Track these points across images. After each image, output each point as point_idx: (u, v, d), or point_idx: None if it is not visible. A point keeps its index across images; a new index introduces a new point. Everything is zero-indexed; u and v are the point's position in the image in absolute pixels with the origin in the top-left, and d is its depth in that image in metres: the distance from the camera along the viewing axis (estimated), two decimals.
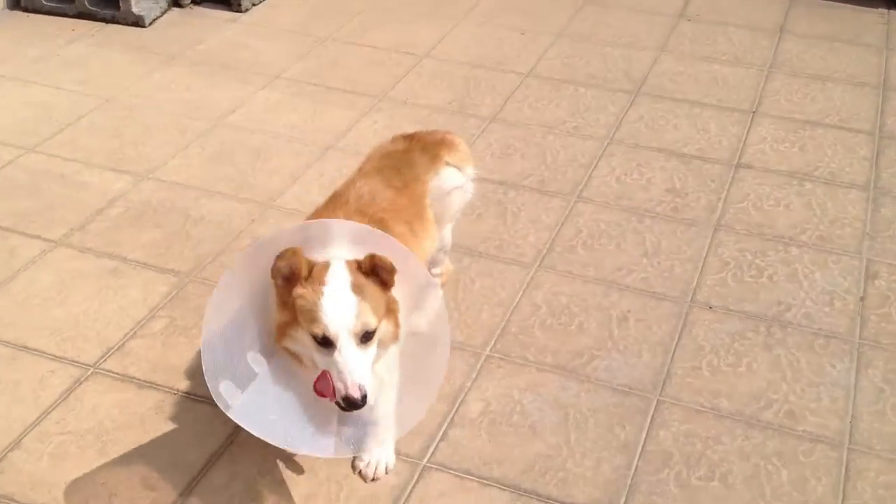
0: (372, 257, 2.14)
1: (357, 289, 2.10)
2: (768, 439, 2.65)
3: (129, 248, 3.39)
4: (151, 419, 2.68)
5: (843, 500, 2.48)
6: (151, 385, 2.79)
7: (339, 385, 2.06)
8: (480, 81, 4.59)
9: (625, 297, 3.18)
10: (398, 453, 2.56)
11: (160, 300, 3.13)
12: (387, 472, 2.50)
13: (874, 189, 3.79)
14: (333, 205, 2.54)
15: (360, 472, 2.50)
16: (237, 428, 2.60)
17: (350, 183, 2.64)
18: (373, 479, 2.47)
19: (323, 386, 2.11)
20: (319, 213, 2.54)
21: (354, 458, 2.50)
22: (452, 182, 2.81)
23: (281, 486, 2.48)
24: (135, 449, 2.58)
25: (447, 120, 4.22)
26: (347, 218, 2.39)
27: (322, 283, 2.09)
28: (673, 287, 3.22)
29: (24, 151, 3.95)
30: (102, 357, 2.89)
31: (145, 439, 2.61)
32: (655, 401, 2.78)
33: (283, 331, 2.15)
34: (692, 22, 5.18)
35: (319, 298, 2.06)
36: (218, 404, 2.15)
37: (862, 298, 3.17)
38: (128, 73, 4.58)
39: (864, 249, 3.43)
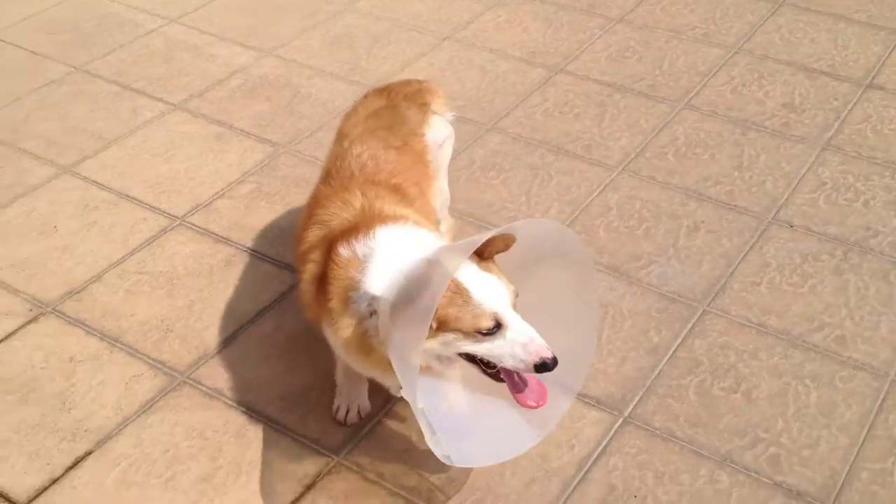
0: (495, 241, 1.99)
1: (484, 268, 1.98)
2: (809, 361, 2.57)
3: (238, 116, 3.60)
4: (219, 271, 2.89)
5: (870, 429, 2.39)
6: (226, 241, 3.01)
7: (530, 358, 1.92)
8: None
9: (703, 208, 3.11)
10: None
11: (253, 166, 3.33)
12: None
13: None
14: (338, 180, 2.35)
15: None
16: (290, 286, 2.78)
17: (344, 151, 2.42)
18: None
19: (513, 385, 2.01)
20: (321, 191, 2.36)
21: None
22: (443, 131, 2.62)
23: (319, 344, 2.61)
24: (197, 294, 2.81)
25: (574, 17, 4.17)
26: (360, 189, 2.26)
27: (455, 283, 1.93)
28: (758, 202, 3.12)
29: (167, 22, 4.23)
30: (190, 211, 3.13)
31: (209, 287, 2.83)
32: (701, 310, 2.74)
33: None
34: None
35: (468, 291, 1.92)
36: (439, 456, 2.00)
37: None
38: None
39: None
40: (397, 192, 2.35)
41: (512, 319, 1.94)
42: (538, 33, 4.07)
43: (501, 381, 2.02)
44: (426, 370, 2.06)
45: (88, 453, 2.35)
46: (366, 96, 2.68)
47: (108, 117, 3.59)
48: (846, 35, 4.00)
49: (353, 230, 2.12)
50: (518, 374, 2.01)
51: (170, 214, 3.11)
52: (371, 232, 2.08)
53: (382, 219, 2.15)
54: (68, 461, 2.33)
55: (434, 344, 1.95)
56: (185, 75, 3.84)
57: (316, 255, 2.19)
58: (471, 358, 2.00)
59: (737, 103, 3.61)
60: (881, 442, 2.35)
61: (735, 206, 3.11)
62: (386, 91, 2.66)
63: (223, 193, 3.21)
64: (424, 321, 1.83)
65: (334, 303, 2.05)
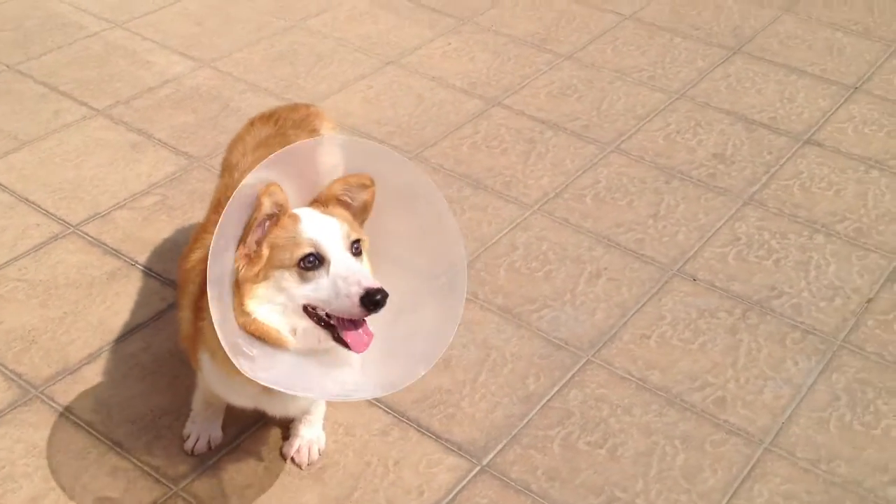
0: (333, 185, 1.99)
1: (326, 211, 1.96)
2: (683, 421, 2.48)
3: (160, 127, 3.54)
4: (100, 283, 2.83)
5: (732, 497, 2.29)
6: (116, 253, 2.94)
7: (352, 289, 1.82)
8: (575, 17, 4.43)
9: (609, 255, 3.03)
10: None
11: (162, 178, 3.27)
12: (319, 455, 2.35)
13: None
14: None
15: (292, 458, 2.33)
16: (170, 304, 2.71)
17: (235, 182, 2.21)
18: (308, 465, 2.33)
19: (343, 325, 1.89)
20: (210, 220, 2.25)
21: (283, 444, 2.36)
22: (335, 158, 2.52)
23: (183, 369, 2.54)
24: (72, 306, 2.74)
25: (522, 52, 4.11)
26: None
27: (295, 216, 1.92)
28: (666, 253, 3.04)
29: (111, 26, 4.19)
30: (86, 220, 3.07)
31: (85, 300, 2.77)
32: (585, 360, 2.65)
33: (250, 290, 1.89)
34: None
35: (298, 224, 1.89)
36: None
37: (869, 300, 2.88)
38: None
39: None
40: None
41: (336, 254, 1.87)
42: (484, 64, 4.02)
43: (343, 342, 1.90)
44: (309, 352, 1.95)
45: None
46: (251, 123, 2.57)
47: (28, 118, 3.54)
48: (795, 88, 3.92)
49: None
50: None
51: (64, 222, 3.05)
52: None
53: None
54: None
55: (267, 289, 1.88)
56: (116, 81, 3.79)
57: (195, 280, 2.11)
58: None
59: (667, 150, 3.53)
60: None
61: (642, 255, 3.03)
62: (273, 118, 2.57)
63: (125, 204, 3.14)
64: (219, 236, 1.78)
65: (208, 323, 1.94)
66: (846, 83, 3.95)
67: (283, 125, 2.53)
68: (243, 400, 2.12)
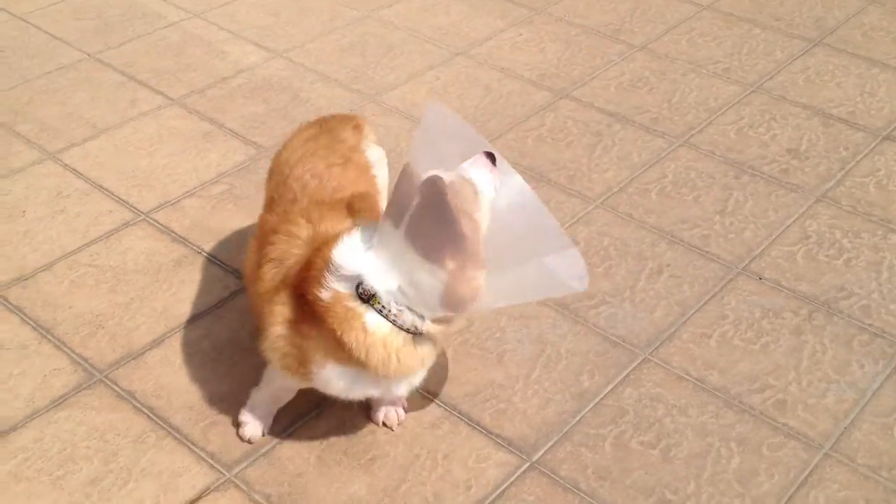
0: None
1: None
2: (740, 423, 2.44)
3: (231, 116, 3.61)
4: (167, 270, 2.90)
5: (787, 503, 2.25)
6: (184, 241, 3.01)
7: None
8: (651, 7, 4.36)
9: (672, 251, 2.98)
10: None
11: (231, 168, 3.34)
12: (405, 413, 2.44)
13: None
14: (281, 205, 2.33)
15: (383, 423, 2.41)
16: (233, 292, 2.77)
17: (285, 176, 2.39)
18: (399, 424, 2.41)
19: None
20: (267, 221, 2.32)
21: (371, 413, 2.44)
22: (378, 151, 2.57)
23: (242, 356, 2.61)
24: (138, 292, 2.82)
25: (594, 42, 4.07)
26: (304, 216, 2.21)
27: None
28: (731, 250, 2.98)
29: (189, 16, 4.27)
30: (157, 207, 3.15)
31: (152, 286, 2.84)
32: (642, 358, 2.62)
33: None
34: None
35: None
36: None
37: None
38: None
39: None
40: (344, 207, 2.29)
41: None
42: (554, 55, 3.98)
43: None
44: None
45: None
46: (299, 129, 2.64)
47: (106, 107, 3.64)
48: (876, 81, 3.80)
49: (311, 267, 2.04)
50: None
51: (135, 209, 3.13)
52: (330, 261, 2.01)
53: (332, 240, 2.07)
54: None
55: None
56: (191, 70, 3.87)
57: (283, 298, 2.11)
58: None
59: (739, 144, 3.46)
60: None
61: (707, 251, 2.97)
62: (318, 122, 2.65)
63: (194, 192, 3.21)
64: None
65: (354, 337, 1.98)
66: None
67: (329, 123, 2.61)
68: (365, 391, 2.13)
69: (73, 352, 2.62)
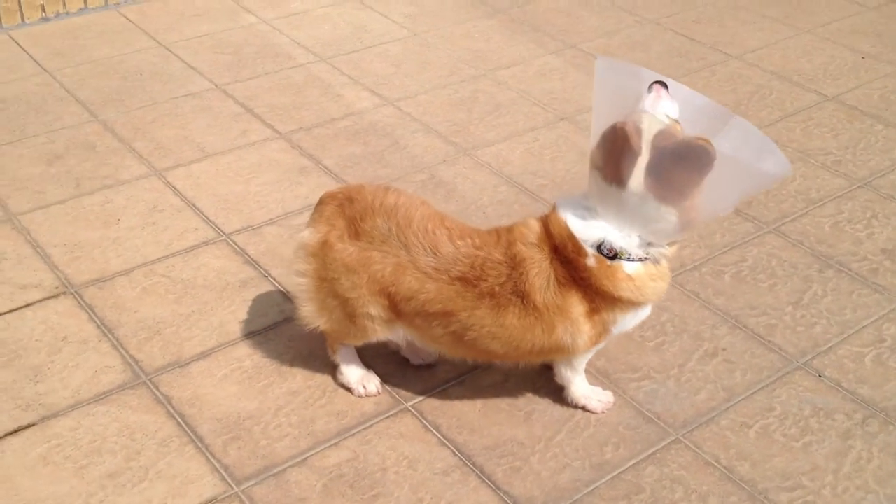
0: None
1: None
2: None
3: (330, 155, 3.76)
4: (232, 289, 3.03)
5: None
6: (254, 264, 3.15)
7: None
8: (772, 92, 4.29)
9: (732, 336, 2.90)
10: (396, 389, 2.67)
11: (315, 202, 3.46)
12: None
13: None
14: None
15: (583, 407, 2.63)
16: (286, 318, 2.88)
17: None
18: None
19: None
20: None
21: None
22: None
23: (312, 361, 2.70)
24: (201, 306, 2.96)
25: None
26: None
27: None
28: (796, 343, 2.87)
29: (316, 60, 4.49)
30: (239, 230, 3.31)
31: (214, 302, 2.98)
32: (672, 438, 2.55)
33: None
34: None
35: None
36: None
37: None
38: (449, 17, 4.94)
39: None
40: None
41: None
42: None
43: None
44: None
45: (31, 425, 2.52)
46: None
47: (219, 133, 3.86)
48: None
49: (563, 249, 2.29)
50: None
51: (219, 229, 3.29)
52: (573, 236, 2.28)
53: (552, 221, 2.35)
54: (11, 427, 2.51)
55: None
56: (305, 109, 4.06)
57: (564, 301, 2.32)
58: None
59: (831, 238, 3.34)
60: None
61: (769, 341, 2.87)
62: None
63: (276, 220, 3.35)
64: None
65: (625, 287, 2.26)
66: None
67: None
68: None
69: (126, 353, 2.76)
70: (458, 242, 2.34)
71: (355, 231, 2.37)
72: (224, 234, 3.28)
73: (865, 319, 2.96)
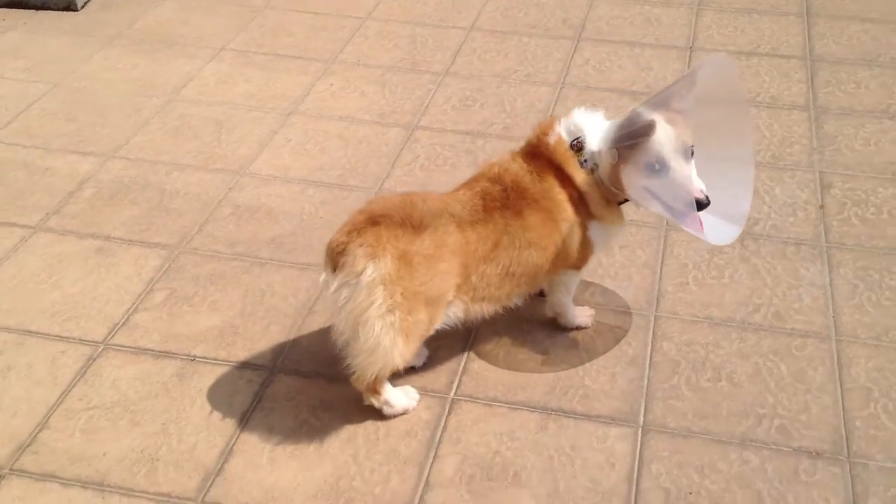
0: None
1: (668, 119, 2.42)
2: (762, 339, 2.84)
3: (110, 226, 3.39)
4: (175, 386, 2.72)
5: (841, 384, 2.67)
6: (167, 354, 2.83)
7: (684, 197, 2.38)
8: (427, 38, 4.67)
9: None
10: (425, 391, 2.67)
11: (154, 273, 3.16)
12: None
13: (814, 108, 4.01)
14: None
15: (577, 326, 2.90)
16: (263, 385, 2.68)
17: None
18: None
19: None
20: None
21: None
22: None
23: (319, 434, 2.55)
24: (167, 415, 2.62)
25: (403, 77, 4.29)
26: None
27: None
28: (647, 214, 3.38)
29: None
30: (110, 333, 2.92)
31: (174, 405, 2.65)
32: (653, 317, 2.93)
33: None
34: None
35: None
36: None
37: (821, 207, 3.39)
38: (69, 57, 4.53)
39: (814, 163, 3.65)
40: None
41: (675, 163, 2.37)
42: (377, 96, 4.17)
43: None
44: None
45: None
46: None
47: None
48: (645, 58, 4.41)
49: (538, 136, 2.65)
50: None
51: (89, 341, 2.89)
52: (559, 121, 2.61)
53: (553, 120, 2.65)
54: None
55: (625, 173, 2.46)
56: (28, 194, 3.57)
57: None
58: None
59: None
60: (857, 393, 2.65)
61: (632, 220, 3.35)
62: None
63: (136, 307, 3.02)
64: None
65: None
66: (681, 45, 4.51)
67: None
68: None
69: (147, 493, 2.41)
70: (467, 194, 2.55)
71: (411, 227, 2.37)
72: (100, 342, 2.90)
73: None
